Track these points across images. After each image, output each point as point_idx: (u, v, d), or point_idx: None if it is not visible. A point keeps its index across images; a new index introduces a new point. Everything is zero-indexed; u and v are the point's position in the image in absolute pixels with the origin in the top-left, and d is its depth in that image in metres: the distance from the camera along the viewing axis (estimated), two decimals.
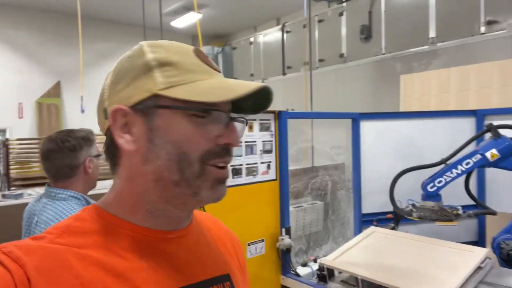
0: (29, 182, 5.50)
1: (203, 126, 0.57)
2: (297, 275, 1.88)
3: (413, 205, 2.06)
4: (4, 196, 3.94)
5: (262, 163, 1.83)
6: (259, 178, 1.81)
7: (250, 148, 1.79)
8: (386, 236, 2.05)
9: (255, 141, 1.80)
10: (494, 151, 1.89)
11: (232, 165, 1.71)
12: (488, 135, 2.03)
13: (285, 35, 6.20)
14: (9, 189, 5.42)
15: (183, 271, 0.60)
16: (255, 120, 1.80)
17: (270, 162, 1.86)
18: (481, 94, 3.18)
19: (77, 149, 1.37)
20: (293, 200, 2.30)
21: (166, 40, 0.63)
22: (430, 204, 1.98)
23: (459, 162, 1.94)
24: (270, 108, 1.89)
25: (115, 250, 0.56)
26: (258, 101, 0.62)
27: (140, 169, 0.58)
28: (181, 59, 0.59)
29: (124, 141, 0.58)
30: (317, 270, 1.84)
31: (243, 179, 1.76)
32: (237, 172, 1.73)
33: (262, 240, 1.82)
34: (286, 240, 1.84)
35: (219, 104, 0.58)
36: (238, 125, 0.61)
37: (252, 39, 7.02)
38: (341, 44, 5.06)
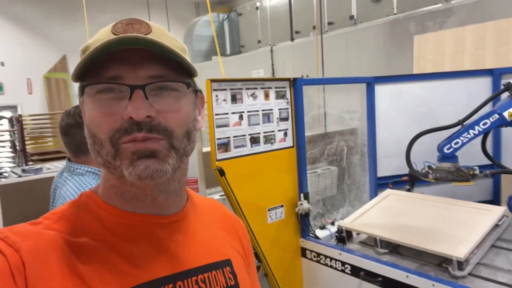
0: (45, 156, 5.62)
1: (113, 102, 0.54)
2: (316, 237, 1.95)
3: (429, 167, 2.08)
4: (24, 171, 4.04)
5: (279, 130, 1.84)
6: (276, 145, 1.84)
7: (267, 116, 1.80)
8: (402, 198, 2.09)
9: (271, 109, 1.81)
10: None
11: (250, 134, 1.73)
12: (504, 95, 2.00)
13: None
14: (26, 164, 5.55)
15: (178, 257, 0.59)
16: (270, 88, 1.80)
17: (286, 129, 1.87)
18: (498, 52, 3.10)
19: None
20: (309, 166, 2.33)
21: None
22: (446, 165, 2.00)
23: (477, 122, 1.93)
24: (285, 76, 1.88)
25: (107, 237, 0.56)
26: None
27: None
28: (95, 38, 0.56)
29: (86, 133, 0.60)
30: (336, 232, 1.90)
31: (261, 147, 1.78)
32: (255, 140, 1.76)
33: (282, 206, 1.86)
34: (304, 205, 1.88)
35: (120, 73, 0.54)
36: (158, 94, 0.55)
37: (258, 4, 6.84)
38: (350, 5, 4.91)
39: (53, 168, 4.06)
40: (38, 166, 4.27)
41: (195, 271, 0.60)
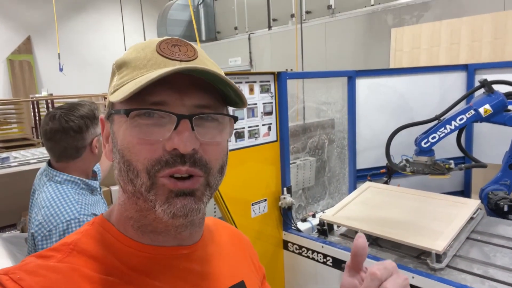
0: (10, 144, 5.37)
1: (152, 129, 0.50)
2: (298, 230, 1.97)
3: (407, 160, 2.13)
4: None
5: (263, 125, 1.83)
6: (260, 140, 1.83)
7: (252, 111, 1.78)
8: (381, 190, 2.14)
9: (256, 104, 1.80)
10: (487, 106, 1.94)
11: (235, 129, 1.70)
12: (479, 91, 2.07)
13: None
14: None
15: (198, 286, 0.58)
16: (255, 82, 1.78)
17: (270, 124, 1.87)
18: (472, 47, 3.20)
19: (83, 129, 1.31)
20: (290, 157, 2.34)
21: (157, 38, 0.56)
22: (423, 159, 2.06)
23: (453, 118, 1.99)
24: (269, 66, 1.86)
25: (125, 271, 0.52)
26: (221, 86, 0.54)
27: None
28: (135, 56, 0.53)
29: (105, 151, 0.57)
30: (318, 225, 1.93)
31: (245, 141, 1.77)
32: (239, 135, 1.74)
33: (265, 200, 1.87)
34: (287, 199, 1.90)
35: (165, 98, 0.50)
36: (201, 125, 0.51)
37: None
38: None
39: (20, 157, 3.88)
40: (4, 154, 4.07)
41: None
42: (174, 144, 0.49)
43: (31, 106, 6.02)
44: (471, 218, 1.78)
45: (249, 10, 6.43)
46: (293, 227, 1.97)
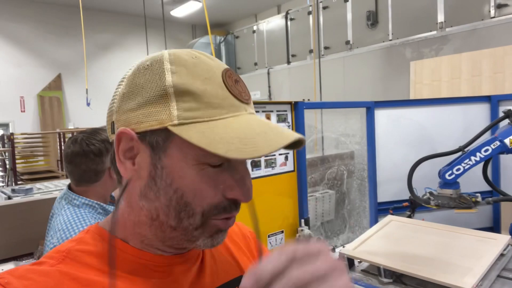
0: (36, 176, 5.51)
1: (215, 175, 0.50)
2: None
3: (431, 193, 2.05)
4: (14, 190, 3.94)
5: (280, 154, 1.81)
6: (277, 170, 1.80)
7: None
8: (404, 224, 2.05)
9: None
10: None
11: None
12: (504, 122, 2.01)
13: (288, 22, 6.13)
14: (16, 184, 5.43)
15: (196, 286, 0.57)
16: (272, 111, 1.79)
17: (287, 153, 1.85)
18: (494, 79, 3.15)
19: (103, 153, 1.32)
20: (308, 189, 2.29)
21: (192, 51, 0.53)
22: (448, 191, 1.98)
23: (478, 149, 1.93)
24: (288, 98, 1.87)
25: (121, 275, 0.52)
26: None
27: (136, 201, 0.52)
28: (204, 88, 0.49)
29: (124, 168, 0.52)
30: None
31: (262, 171, 1.75)
32: (256, 164, 1.72)
33: (282, 232, 1.82)
34: (305, 231, 1.84)
35: None
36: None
37: (255, 28, 6.95)
38: (347, 31, 5.00)
39: (43, 189, 3.97)
40: (28, 186, 4.17)
41: None
42: (238, 195, 0.51)
43: (58, 139, 6.22)
44: (502, 255, 1.67)
45: (268, 47, 6.60)
46: None
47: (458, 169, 1.93)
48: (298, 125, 1.86)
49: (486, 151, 1.91)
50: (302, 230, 1.84)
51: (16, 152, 5.79)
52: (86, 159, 1.30)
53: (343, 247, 1.94)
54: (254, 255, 0.71)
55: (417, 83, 3.55)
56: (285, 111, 1.84)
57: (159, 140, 0.49)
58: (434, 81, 3.48)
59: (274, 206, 1.80)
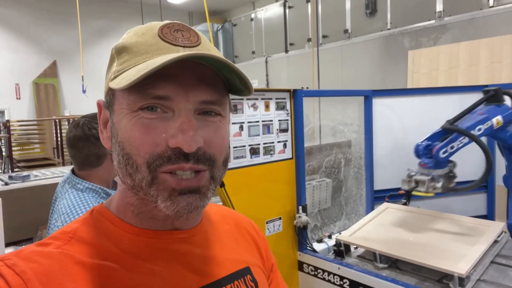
0: (32, 163, 5.50)
1: (154, 123, 0.49)
2: (314, 251, 1.92)
3: (432, 178, 1.94)
4: (11, 177, 3.93)
5: (278, 142, 1.82)
6: (275, 157, 1.82)
7: (267, 127, 1.78)
8: (400, 212, 2.08)
9: (271, 120, 1.80)
10: (499, 118, 1.82)
11: (250, 145, 1.71)
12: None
13: (287, 10, 6.08)
14: (13, 171, 5.42)
15: (200, 271, 0.56)
16: (271, 99, 1.79)
17: (286, 141, 1.86)
18: (491, 69, 3.16)
19: None
20: (306, 177, 2.31)
21: (158, 22, 0.55)
22: (443, 171, 1.89)
23: (473, 126, 1.83)
24: (286, 87, 1.88)
25: (124, 257, 0.52)
26: (233, 75, 0.52)
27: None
28: (137, 40, 0.51)
29: (102, 137, 0.56)
30: (334, 246, 1.87)
31: (261, 158, 1.76)
32: (255, 151, 1.73)
33: (280, 218, 1.84)
34: (303, 218, 1.86)
35: (169, 94, 0.48)
36: (205, 121, 0.51)
37: (253, 15, 6.89)
38: (345, 19, 4.98)
39: (40, 176, 3.96)
40: (25, 173, 4.16)
41: (219, 283, 0.57)
42: (178, 142, 0.48)
43: (53, 126, 6.19)
44: (495, 241, 1.70)
45: (266, 35, 6.56)
46: (308, 248, 1.92)
47: (452, 147, 1.82)
48: (297, 113, 1.86)
49: (479, 130, 1.83)
50: (299, 216, 1.86)
51: (12, 139, 5.76)
52: (88, 143, 1.31)
53: (340, 233, 1.97)
54: (261, 253, 0.71)
55: (414, 72, 3.56)
56: (284, 98, 1.85)
57: (108, 99, 0.54)
58: (432, 71, 3.48)
59: (272, 193, 1.82)
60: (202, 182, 0.51)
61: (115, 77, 0.51)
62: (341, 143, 2.43)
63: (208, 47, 0.53)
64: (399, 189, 2.33)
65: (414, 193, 1.82)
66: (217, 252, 0.61)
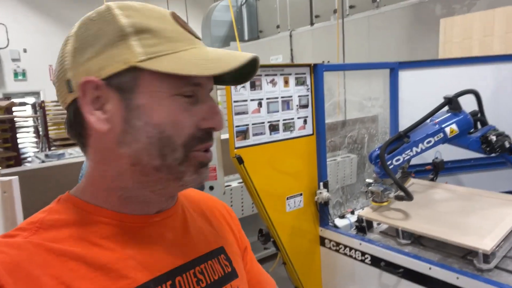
0: (67, 142, 5.74)
1: (189, 107, 0.53)
2: (336, 226, 1.92)
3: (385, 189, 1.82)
4: (47, 156, 4.13)
5: (298, 118, 1.81)
6: (296, 133, 1.80)
7: (287, 104, 1.76)
8: (426, 187, 2.03)
9: (291, 96, 1.77)
10: (454, 126, 1.75)
11: (269, 121, 1.70)
12: (443, 109, 1.84)
13: None
14: (49, 149, 5.69)
15: (173, 252, 0.57)
16: (290, 74, 1.76)
17: (306, 117, 1.83)
18: None
19: None
20: (328, 154, 2.29)
21: (136, 2, 0.54)
22: (389, 181, 1.81)
23: (421, 140, 1.77)
24: (305, 61, 1.84)
25: (95, 241, 0.51)
26: (242, 70, 0.54)
27: (113, 152, 0.52)
28: (160, 25, 0.52)
29: (95, 119, 0.51)
30: (356, 221, 1.87)
31: (280, 134, 1.75)
32: (274, 128, 1.73)
33: (301, 194, 1.84)
34: (324, 194, 1.85)
35: (203, 81, 0.54)
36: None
37: None
38: None
39: (75, 154, 4.14)
40: (60, 151, 4.37)
41: (191, 264, 0.59)
42: (213, 123, 0.55)
43: None
44: None
45: (291, 8, 6.39)
46: (330, 223, 1.92)
47: (397, 160, 1.77)
48: (318, 88, 1.83)
49: (429, 142, 1.77)
50: (320, 193, 1.86)
51: (47, 119, 6.01)
52: None
53: (362, 209, 1.96)
54: (235, 233, 0.73)
55: (446, 42, 3.38)
56: (304, 74, 1.81)
57: (127, 80, 0.50)
58: (465, 39, 3.29)
59: (293, 169, 1.82)
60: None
61: (149, 58, 0.49)
62: (365, 118, 2.38)
63: None
64: (425, 164, 2.28)
65: (371, 203, 1.83)
66: (191, 234, 0.62)
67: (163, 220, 0.59)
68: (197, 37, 0.56)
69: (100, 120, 0.51)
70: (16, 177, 1.11)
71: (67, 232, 0.51)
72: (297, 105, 1.79)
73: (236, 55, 0.52)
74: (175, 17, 0.55)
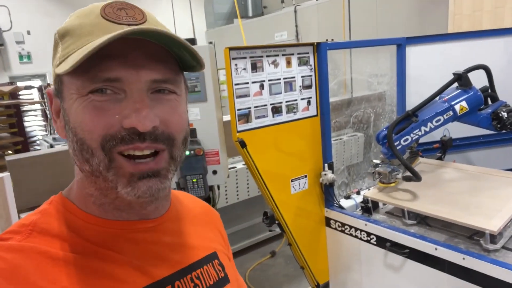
0: None
1: (104, 107, 0.48)
2: (341, 207, 1.91)
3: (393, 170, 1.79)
4: (55, 139, 4.16)
5: (302, 99, 1.77)
6: (299, 115, 1.77)
7: (289, 85, 1.72)
8: (433, 167, 2.00)
9: (294, 77, 1.73)
10: (464, 103, 1.69)
11: (271, 103, 1.67)
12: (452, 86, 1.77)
13: None
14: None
15: (170, 258, 0.57)
16: (292, 54, 1.71)
17: (310, 98, 1.80)
18: None
19: None
20: (334, 133, 2.26)
21: (100, 3, 0.52)
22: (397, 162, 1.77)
23: (430, 119, 1.71)
24: (309, 39, 1.78)
25: (90, 247, 0.51)
26: (182, 49, 0.50)
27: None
28: (79, 23, 0.50)
29: (56, 127, 0.54)
30: (361, 202, 1.86)
31: (284, 116, 1.72)
32: (277, 110, 1.70)
33: (305, 176, 1.83)
34: (329, 175, 1.84)
35: (121, 75, 0.47)
36: (159, 99, 0.50)
37: None
38: None
39: None
40: None
41: (188, 269, 0.59)
42: (132, 122, 0.47)
43: None
44: None
45: None
46: (335, 204, 1.91)
47: (406, 140, 1.73)
48: (321, 68, 1.78)
49: (438, 121, 1.72)
50: (325, 174, 1.84)
51: None
52: None
53: (368, 189, 1.94)
54: (226, 241, 0.74)
55: (456, 14, 3.25)
56: (307, 53, 1.76)
57: (57, 87, 0.52)
58: (476, 12, 3.17)
59: (297, 151, 1.80)
60: (161, 164, 0.51)
61: (60, 63, 0.49)
62: (371, 96, 2.33)
63: (154, 24, 0.52)
64: (433, 142, 2.24)
65: (378, 184, 1.80)
66: (187, 239, 0.62)
67: (159, 225, 0.59)
68: (124, 22, 0.49)
69: (58, 128, 0.54)
70: (8, 174, 1.10)
71: (61, 236, 0.51)
72: (300, 86, 1.75)
73: (116, 30, 0.46)
74: (108, 6, 0.51)
